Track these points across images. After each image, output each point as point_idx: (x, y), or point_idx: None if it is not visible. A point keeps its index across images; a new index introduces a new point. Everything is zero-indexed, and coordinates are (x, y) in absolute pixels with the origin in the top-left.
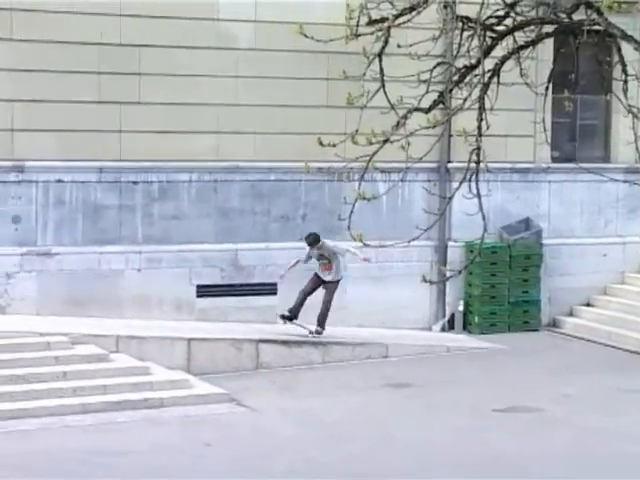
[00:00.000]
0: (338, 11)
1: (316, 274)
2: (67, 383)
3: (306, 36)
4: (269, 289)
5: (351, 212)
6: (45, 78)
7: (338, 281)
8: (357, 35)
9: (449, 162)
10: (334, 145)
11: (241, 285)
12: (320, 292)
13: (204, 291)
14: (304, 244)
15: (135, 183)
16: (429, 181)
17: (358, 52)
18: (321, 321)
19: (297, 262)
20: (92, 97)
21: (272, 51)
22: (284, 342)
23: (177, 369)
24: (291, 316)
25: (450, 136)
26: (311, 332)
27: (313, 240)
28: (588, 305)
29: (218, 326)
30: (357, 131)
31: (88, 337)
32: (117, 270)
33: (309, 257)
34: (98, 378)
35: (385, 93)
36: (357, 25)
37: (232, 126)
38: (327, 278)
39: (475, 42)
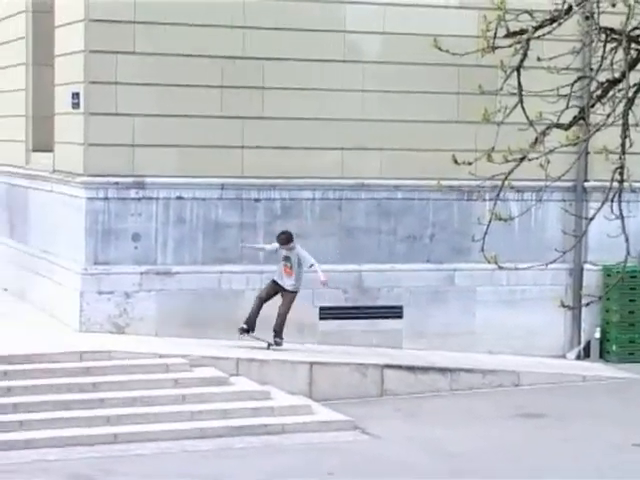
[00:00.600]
0: (469, 22)
1: (274, 280)
2: (186, 407)
3: (440, 49)
4: (395, 312)
5: (485, 233)
6: (166, 92)
7: (296, 292)
8: (494, 48)
9: (586, 181)
10: (470, 163)
11: (365, 308)
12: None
13: (327, 313)
14: (432, 266)
15: (257, 200)
16: (564, 201)
17: (490, 65)
18: (278, 331)
19: (263, 248)
20: (214, 112)
21: (400, 64)
22: (409, 368)
23: (298, 394)
24: (248, 328)
25: (587, 154)
26: (270, 344)
27: (285, 240)
28: None
29: (341, 350)
30: (493, 148)
31: (207, 359)
32: (237, 290)
33: (275, 251)
34: (217, 402)
35: (523, 108)
36: (494, 37)
37: (358, 142)
38: (286, 285)
39: (619, 55)
